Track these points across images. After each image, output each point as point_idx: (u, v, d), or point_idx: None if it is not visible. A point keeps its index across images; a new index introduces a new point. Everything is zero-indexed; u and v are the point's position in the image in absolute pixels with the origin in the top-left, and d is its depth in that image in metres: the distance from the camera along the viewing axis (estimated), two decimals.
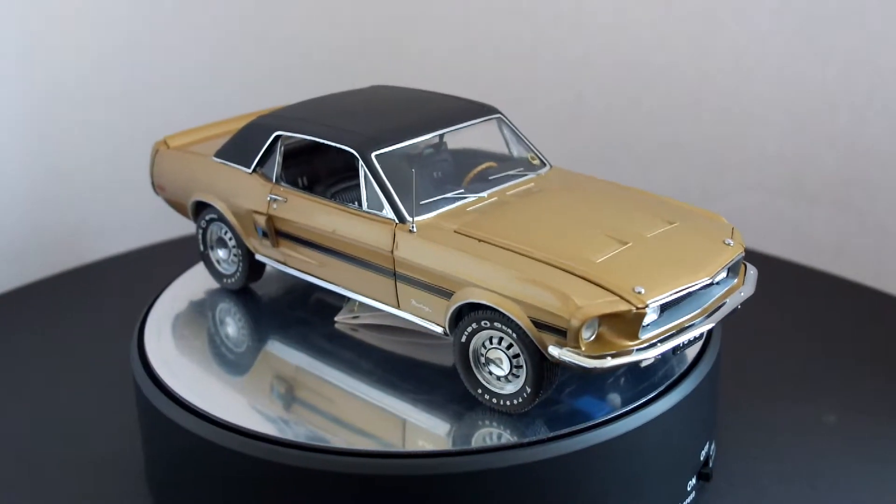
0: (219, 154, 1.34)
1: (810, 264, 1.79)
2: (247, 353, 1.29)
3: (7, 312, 1.78)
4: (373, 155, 1.16)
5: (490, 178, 1.22)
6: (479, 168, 1.24)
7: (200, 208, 1.37)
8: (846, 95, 1.66)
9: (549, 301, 1.00)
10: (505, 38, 1.98)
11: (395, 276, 1.13)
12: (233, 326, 1.35)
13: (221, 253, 1.36)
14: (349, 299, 1.31)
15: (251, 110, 1.50)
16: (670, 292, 1.01)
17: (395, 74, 1.89)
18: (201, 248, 1.39)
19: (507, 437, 1.07)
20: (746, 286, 1.12)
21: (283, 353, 1.29)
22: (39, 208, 1.86)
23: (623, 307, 0.98)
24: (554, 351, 1.00)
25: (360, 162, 1.16)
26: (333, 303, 1.37)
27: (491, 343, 1.07)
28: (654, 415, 1.09)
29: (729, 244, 1.10)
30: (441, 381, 1.19)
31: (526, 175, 1.24)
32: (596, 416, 1.08)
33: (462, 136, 1.29)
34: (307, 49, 2.07)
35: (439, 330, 1.12)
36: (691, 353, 1.19)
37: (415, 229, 1.12)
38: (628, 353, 1.00)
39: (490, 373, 1.09)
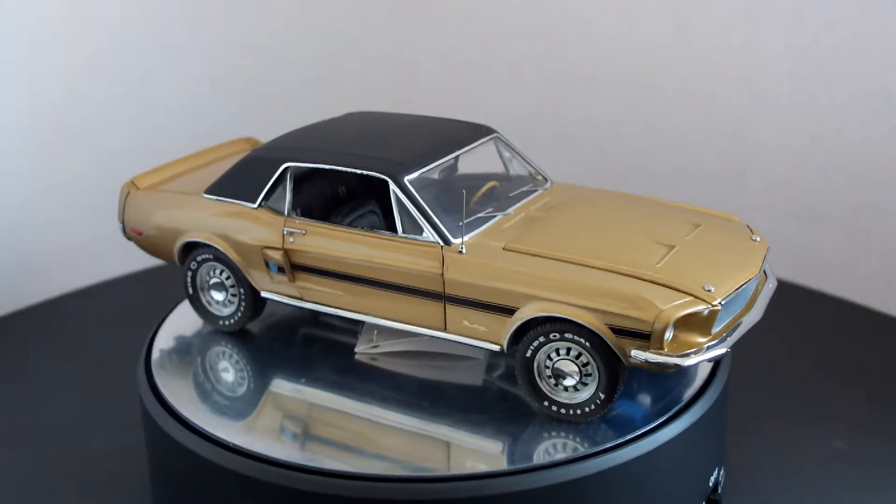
0: (211, 191, 1.28)
1: (820, 288, 1.78)
2: (247, 395, 1.24)
3: (9, 333, 1.77)
4: (406, 179, 1.15)
5: (510, 195, 1.23)
6: (486, 187, 1.26)
7: (189, 250, 1.31)
8: (856, 119, 1.66)
9: (628, 307, 1.03)
10: (514, 59, 1.97)
11: (444, 298, 1.13)
12: (230, 371, 1.29)
13: (217, 294, 1.31)
14: (365, 329, 1.29)
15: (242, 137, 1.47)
16: (735, 288, 1.07)
17: (401, 94, 1.87)
18: (190, 291, 1.32)
19: (546, 455, 1.09)
20: (770, 279, 1.19)
21: (290, 392, 1.25)
22: (40, 230, 1.85)
23: (701, 306, 1.03)
24: (638, 354, 1.03)
25: (394, 187, 1.15)
26: (326, 336, 1.34)
27: (558, 354, 1.09)
28: (662, 440, 1.10)
29: (757, 240, 1.17)
30: (475, 400, 1.19)
31: (537, 190, 1.26)
32: (612, 438, 1.10)
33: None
34: (309, 72, 2.03)
35: (495, 348, 1.13)
36: (700, 378, 1.19)
37: (464, 250, 1.12)
38: (703, 349, 1.04)
39: (556, 384, 1.11)
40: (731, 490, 1.29)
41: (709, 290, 1.04)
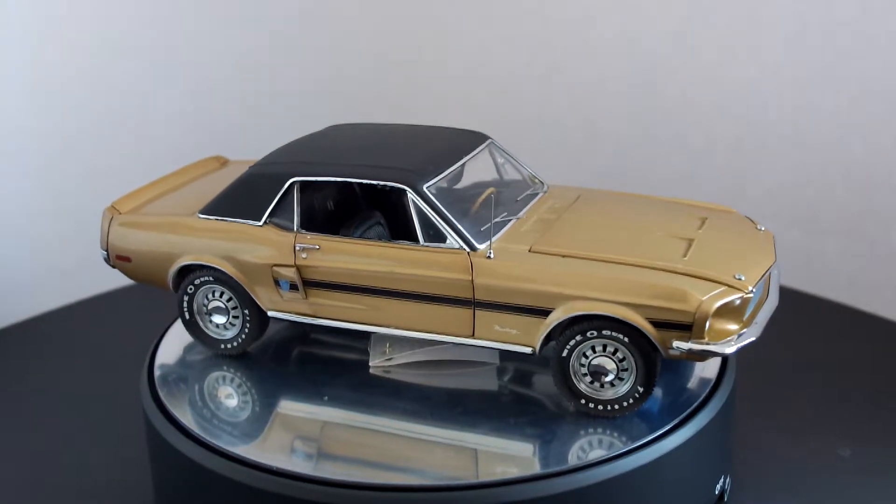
0: (209, 211, 1.25)
1: (824, 295, 1.77)
2: (252, 419, 1.20)
3: (10, 345, 1.79)
4: (424, 187, 1.15)
5: (517, 199, 1.24)
6: (486, 193, 1.26)
7: (184, 274, 1.26)
8: (860, 125, 1.66)
9: (669, 301, 1.05)
10: (518, 65, 1.95)
11: (473, 304, 1.13)
12: (234, 397, 1.25)
13: (218, 318, 1.27)
14: (375, 342, 1.27)
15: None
16: (761, 276, 1.11)
17: (405, 100, 1.83)
18: (187, 316, 1.28)
19: (581, 453, 1.10)
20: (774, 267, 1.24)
21: (300, 412, 1.23)
22: (40, 241, 1.85)
23: (736, 294, 1.06)
24: (681, 345, 1.06)
25: (413, 196, 1.15)
26: (324, 354, 1.32)
27: (594, 351, 1.11)
28: (668, 448, 1.10)
29: (762, 229, 1.22)
30: (494, 405, 1.19)
31: (538, 193, 1.28)
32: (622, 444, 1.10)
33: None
34: (308, 80, 2.00)
35: (527, 351, 1.13)
36: (706, 386, 1.19)
37: (493, 255, 1.12)
38: (738, 336, 1.08)
39: (592, 382, 1.12)
40: (737, 498, 1.29)
41: (740, 279, 1.08)
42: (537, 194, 1.27)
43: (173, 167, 1.40)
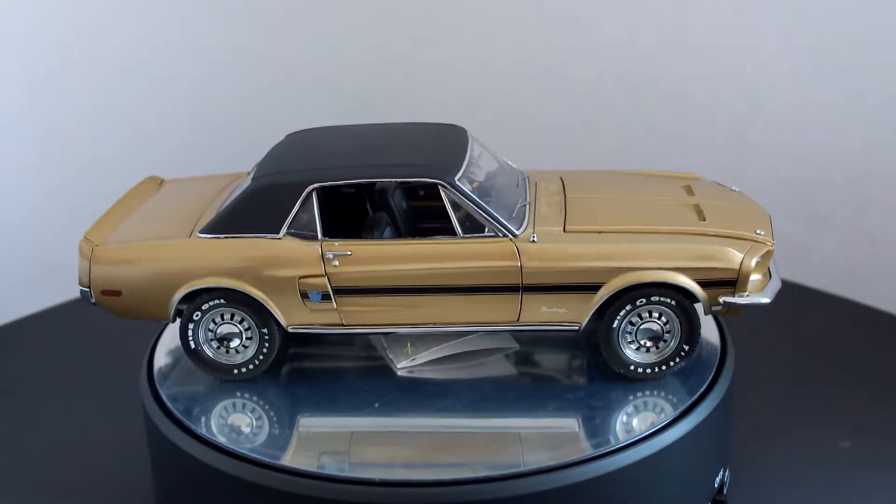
0: (213, 229, 1.17)
1: (822, 288, 1.77)
2: (270, 441, 1.15)
3: (9, 342, 1.78)
4: (457, 180, 1.15)
5: (516, 185, 1.26)
6: (476, 184, 1.28)
7: (187, 300, 1.18)
8: (857, 119, 1.66)
9: (714, 261, 1.13)
10: (515, 61, 1.90)
11: (521, 289, 1.15)
12: (250, 423, 1.19)
13: (234, 342, 1.19)
14: (392, 346, 1.25)
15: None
16: (771, 230, 1.21)
17: (402, 96, 1.74)
18: (192, 345, 1.19)
19: (626, 421, 1.14)
20: None
21: (323, 427, 1.19)
22: (44, 237, 1.84)
23: (764, 248, 1.16)
24: (729, 300, 1.14)
25: (447, 190, 1.14)
26: (321, 367, 1.28)
27: (641, 318, 1.16)
28: (667, 441, 1.12)
29: (736, 190, 1.32)
30: (515, 390, 1.21)
31: (527, 179, 1.31)
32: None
33: None
34: (308, 76, 1.92)
35: (574, 328, 1.17)
36: (705, 378, 1.21)
37: (536, 239, 1.15)
38: (769, 285, 1.17)
39: (638, 348, 1.17)
40: (736, 491, 1.30)
41: (761, 234, 1.17)
42: (526, 179, 1.30)
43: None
